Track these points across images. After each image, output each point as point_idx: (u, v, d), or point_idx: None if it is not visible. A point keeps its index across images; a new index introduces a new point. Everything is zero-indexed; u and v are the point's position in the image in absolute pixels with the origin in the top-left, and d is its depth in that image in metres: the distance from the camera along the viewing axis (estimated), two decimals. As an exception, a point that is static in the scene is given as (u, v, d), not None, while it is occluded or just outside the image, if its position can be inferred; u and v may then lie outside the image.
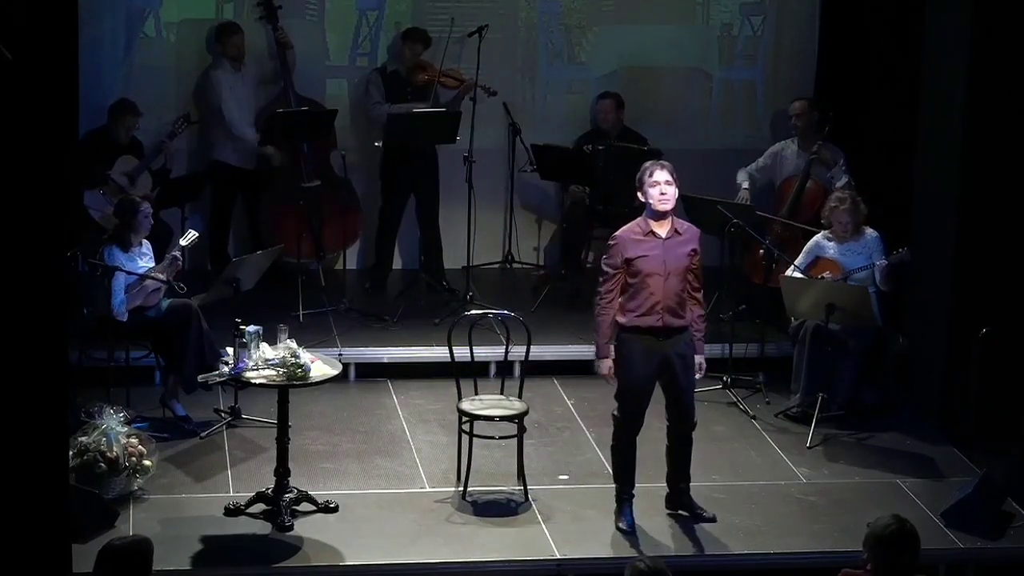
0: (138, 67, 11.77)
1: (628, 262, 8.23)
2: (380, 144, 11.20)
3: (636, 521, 8.51)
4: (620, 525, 8.49)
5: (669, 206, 8.21)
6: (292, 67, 11.58)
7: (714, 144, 12.37)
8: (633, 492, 8.52)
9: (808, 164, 11.10)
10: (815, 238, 10.23)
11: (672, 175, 8.23)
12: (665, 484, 8.66)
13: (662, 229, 8.25)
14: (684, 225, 8.38)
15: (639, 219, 8.31)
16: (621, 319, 8.28)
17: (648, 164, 8.32)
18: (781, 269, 10.38)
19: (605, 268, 8.35)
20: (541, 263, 12.35)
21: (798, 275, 10.05)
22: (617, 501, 8.55)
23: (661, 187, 8.19)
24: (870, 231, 10.08)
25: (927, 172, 10.30)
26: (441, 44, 11.58)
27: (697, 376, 8.48)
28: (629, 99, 11.91)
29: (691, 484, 8.67)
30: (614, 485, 8.56)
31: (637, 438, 8.47)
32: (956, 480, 9.12)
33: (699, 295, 8.41)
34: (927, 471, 9.36)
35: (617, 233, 8.34)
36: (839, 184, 10.87)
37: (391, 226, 11.72)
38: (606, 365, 8.37)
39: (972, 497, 8.64)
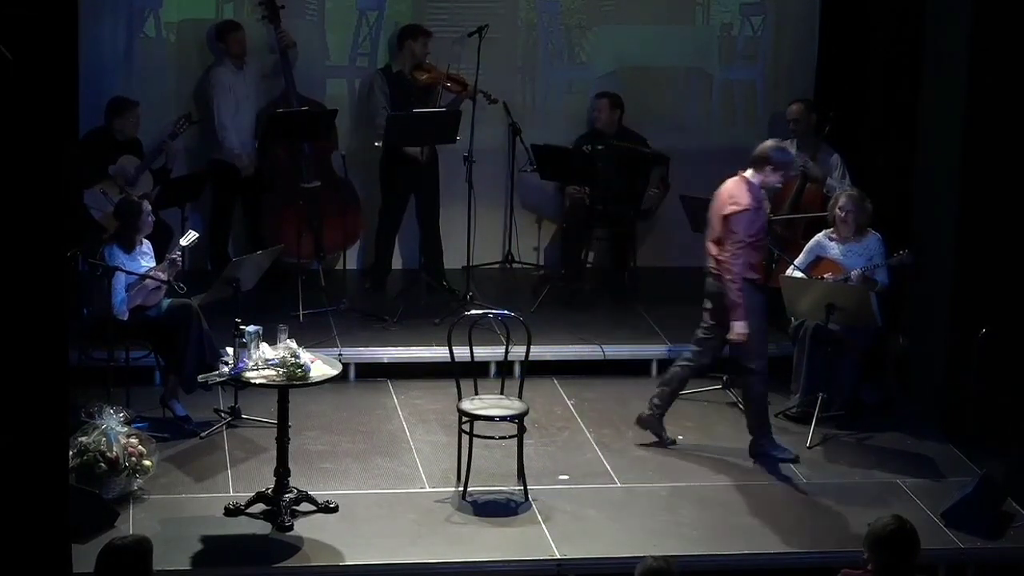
0: (138, 67, 11.77)
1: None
2: (380, 144, 11.20)
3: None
4: (783, 455, 9.37)
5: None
6: (294, 65, 11.56)
7: (714, 144, 12.35)
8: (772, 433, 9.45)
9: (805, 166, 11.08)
10: (817, 237, 10.23)
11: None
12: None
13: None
14: None
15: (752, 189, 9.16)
16: (749, 274, 9.15)
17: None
18: (781, 269, 10.37)
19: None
20: (541, 263, 12.34)
21: (798, 274, 10.05)
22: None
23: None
24: (872, 233, 10.08)
25: (927, 172, 10.31)
26: (446, 45, 11.57)
27: None
28: (629, 99, 11.90)
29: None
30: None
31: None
32: (956, 480, 9.12)
33: None
34: (927, 471, 9.36)
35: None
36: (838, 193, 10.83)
37: (391, 226, 11.71)
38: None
39: (972, 497, 8.64)
